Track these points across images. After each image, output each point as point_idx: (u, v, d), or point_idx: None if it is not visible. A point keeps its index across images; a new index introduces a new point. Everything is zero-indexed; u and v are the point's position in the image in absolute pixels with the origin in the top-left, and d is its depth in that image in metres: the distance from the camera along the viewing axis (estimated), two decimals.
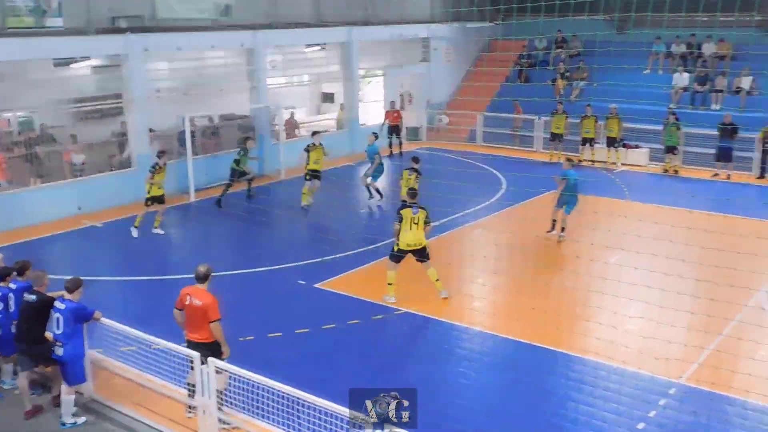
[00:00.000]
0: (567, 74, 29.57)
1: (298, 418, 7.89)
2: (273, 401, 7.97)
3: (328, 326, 11.98)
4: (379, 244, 16.27)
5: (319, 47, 26.79)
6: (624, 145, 25.17)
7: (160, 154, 17.34)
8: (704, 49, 27.82)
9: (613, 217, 12.50)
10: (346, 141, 27.24)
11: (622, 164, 24.81)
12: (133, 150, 20.79)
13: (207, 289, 9.01)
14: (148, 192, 17.01)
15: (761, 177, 22.96)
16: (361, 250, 15.93)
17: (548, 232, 15.93)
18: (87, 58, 20.37)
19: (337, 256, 15.40)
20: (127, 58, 20.16)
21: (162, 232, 17.42)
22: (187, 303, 9.00)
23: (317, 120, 29.98)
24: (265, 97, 23.85)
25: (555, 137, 25.78)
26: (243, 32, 23.11)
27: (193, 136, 21.11)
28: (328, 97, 30.89)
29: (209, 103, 22.60)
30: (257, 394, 8.12)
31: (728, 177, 22.99)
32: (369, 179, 20.76)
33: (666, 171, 23.93)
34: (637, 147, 25.25)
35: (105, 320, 9.56)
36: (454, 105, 30.95)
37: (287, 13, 24.66)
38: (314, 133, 19.76)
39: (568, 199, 15.79)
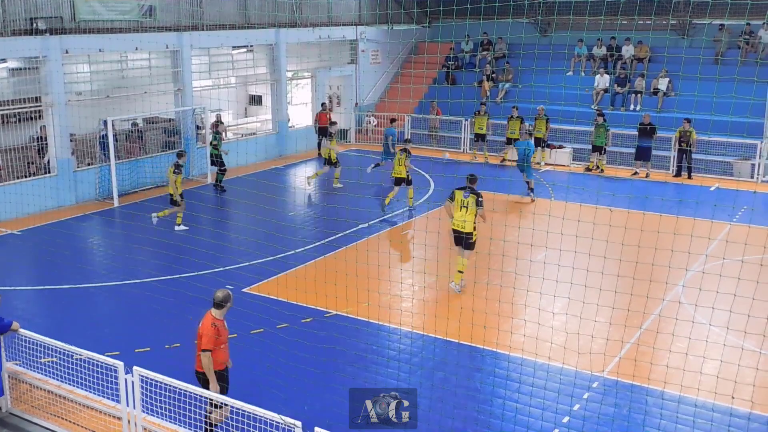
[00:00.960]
0: (493, 76, 30.04)
1: (226, 425, 7.81)
2: (201, 408, 7.87)
3: (256, 331, 11.88)
4: (308, 247, 16.25)
5: (245, 49, 26.55)
6: (548, 146, 25.74)
7: (180, 154, 17.93)
8: (624, 51, 28.64)
9: (538, 215, 12.79)
10: (274, 143, 27.08)
11: (546, 164, 25.36)
12: (53, 155, 20.20)
13: (220, 317, 8.39)
14: (175, 192, 17.40)
15: (677, 175, 23.79)
16: (290, 253, 15.87)
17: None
18: (3, 60, 19.70)
19: (266, 259, 15.29)
20: (46, 61, 19.58)
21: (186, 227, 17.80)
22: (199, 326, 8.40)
23: (244, 123, 29.73)
24: (190, 99, 23.51)
25: (478, 137, 26.29)
26: (167, 34, 22.73)
27: (116, 140, 20.65)
28: (256, 100, 30.65)
29: (133, 106, 22.14)
30: (184, 402, 8.00)
31: (647, 175, 23.74)
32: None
33: (589, 169, 24.55)
34: (560, 147, 25.84)
35: (23, 331, 9.26)
36: (382, 107, 31.09)
37: (213, 14, 24.36)
38: (332, 123, 22.84)
39: (522, 167, 20.19)
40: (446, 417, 9.35)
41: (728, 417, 9.38)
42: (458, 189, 13.81)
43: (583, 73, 29.11)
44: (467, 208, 13.49)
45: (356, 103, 30.53)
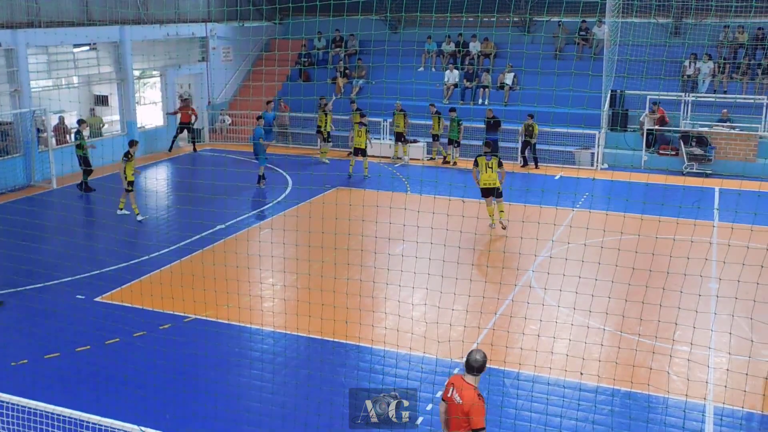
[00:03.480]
0: (346, 72, 30.27)
1: None
2: (55, 428, 7.47)
3: (111, 341, 11.43)
4: (162, 251, 15.79)
5: (88, 47, 25.34)
6: (405, 141, 26.22)
7: (132, 143, 18.40)
8: (471, 47, 29.64)
9: (396, 209, 13.06)
10: (123, 145, 26.02)
11: (411, 159, 25.85)
12: None
13: (476, 385, 7.03)
14: (124, 180, 17.96)
15: (524, 165, 24.92)
16: (143, 258, 15.37)
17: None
18: None
19: (119, 266, 14.73)
20: None
21: (128, 212, 18.51)
22: (449, 395, 7.11)
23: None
24: (28, 101, 22.18)
25: (319, 132, 26.41)
26: (1, 31, 21.32)
27: None
28: (102, 100, 29.31)
29: None
30: (36, 422, 7.57)
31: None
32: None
33: (447, 163, 25.25)
34: (415, 141, 26.40)
35: None
36: (235, 105, 30.61)
37: (51, 10, 23.07)
38: (362, 115, 23.54)
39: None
40: (313, 414, 9.36)
41: (578, 392, 9.96)
42: (479, 156, 17.18)
43: (433, 69, 29.86)
44: (492, 168, 16.84)
45: (209, 102, 29.90)
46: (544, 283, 12.96)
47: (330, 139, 26.06)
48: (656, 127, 24.91)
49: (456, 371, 8.64)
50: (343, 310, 11.67)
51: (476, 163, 17.21)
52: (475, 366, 6.99)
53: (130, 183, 18.11)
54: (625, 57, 24.40)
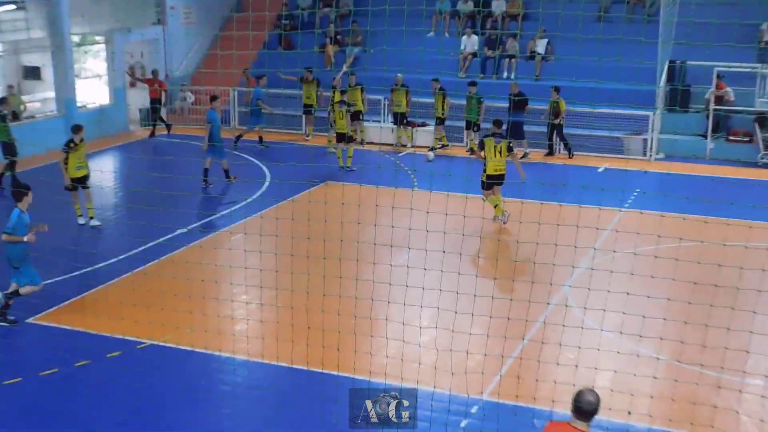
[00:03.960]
0: (338, 38, 30.41)
1: None
2: None
3: (47, 372, 11.56)
4: (111, 261, 15.92)
5: (14, 6, 25.48)
6: (408, 123, 26.38)
7: (76, 128, 18.13)
8: (494, 7, 29.80)
9: (399, 210, 13.13)
10: (60, 129, 26.17)
11: (413, 147, 26.00)
12: None
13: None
14: (66, 176, 17.82)
15: (550, 154, 25.06)
16: (87, 270, 15.50)
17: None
18: None
19: (57, 279, 14.86)
20: None
21: (99, 223, 18.28)
22: None
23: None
24: None
25: (308, 110, 26.59)
26: None
27: None
28: (32, 72, 29.46)
29: None
30: None
31: (524, 156, 24.84)
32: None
33: (473, 152, 25.42)
34: (423, 125, 26.54)
35: None
36: (199, 79, 30.75)
37: None
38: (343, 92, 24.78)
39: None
40: None
41: None
42: (486, 137, 18.26)
43: (446, 34, 30.04)
44: (501, 153, 17.83)
45: (166, 75, 30.04)
46: (583, 301, 13.04)
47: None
48: (724, 107, 25.05)
49: (553, 418, 8.74)
50: (335, 334, 11.77)
51: (482, 145, 18.25)
52: (588, 410, 7.14)
53: (77, 179, 18.02)
54: (687, 19, 24.52)
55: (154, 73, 28.06)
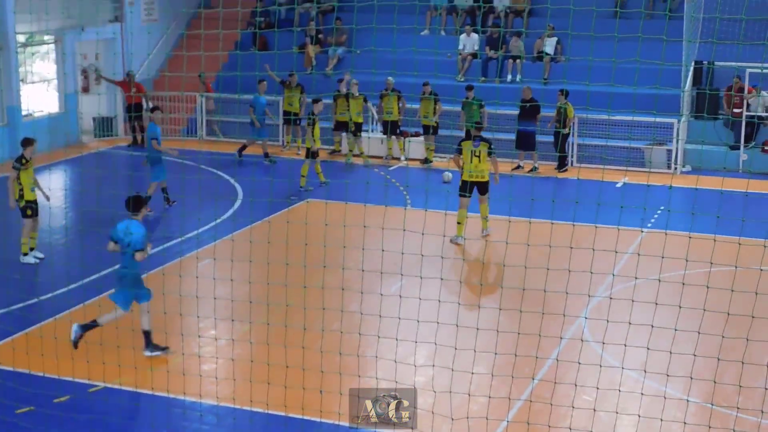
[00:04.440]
0: (320, 37, 30.41)
1: None
2: None
3: None
4: (58, 291, 15.79)
5: None
6: (401, 133, 26.34)
7: (26, 142, 17.77)
8: (496, 2, 29.87)
9: (390, 231, 13.01)
10: (3, 140, 26.05)
11: (407, 159, 25.98)
12: None
13: None
14: (20, 197, 17.40)
15: (562, 168, 24.99)
16: (31, 302, 15.40)
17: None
18: None
19: None
20: None
21: (42, 256, 17.94)
22: None
23: None
24: None
25: (287, 118, 26.57)
26: None
27: None
28: None
29: None
30: None
31: (533, 169, 24.81)
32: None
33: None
34: (417, 135, 26.51)
35: None
36: (161, 83, 30.67)
37: None
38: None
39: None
40: None
41: None
42: (464, 140, 18.94)
43: (443, 32, 30.10)
44: (479, 157, 18.30)
45: (124, 79, 29.98)
46: (601, 335, 12.96)
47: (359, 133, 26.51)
48: (762, 113, 25.05)
49: None
50: (317, 374, 11.66)
51: (459, 150, 18.75)
52: None
53: (29, 203, 17.56)
54: (714, 15, 24.60)
55: (129, 75, 28.06)
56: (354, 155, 26.21)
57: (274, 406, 11.53)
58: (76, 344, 13.13)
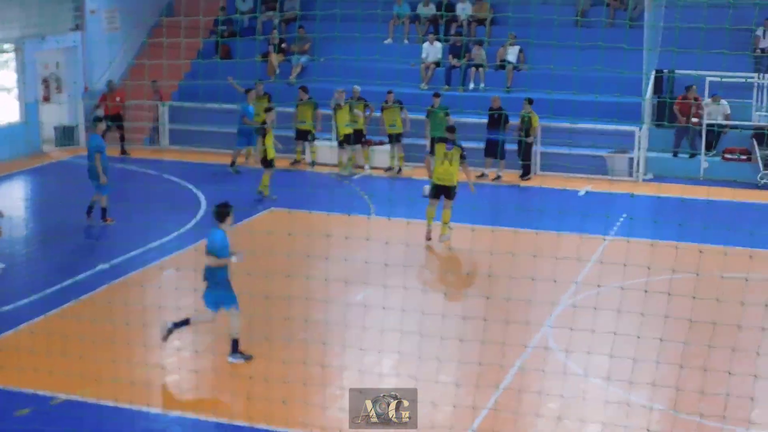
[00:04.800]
0: (283, 46, 30.34)
1: None
2: None
3: None
4: (19, 303, 15.62)
5: None
6: (365, 142, 26.33)
7: None
8: (458, 10, 29.92)
9: (353, 240, 13.02)
10: None
11: (371, 168, 25.95)
12: None
13: None
14: None
15: (526, 176, 25.05)
16: None
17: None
18: None
19: None
20: None
21: (2, 265, 17.35)
22: None
23: None
24: None
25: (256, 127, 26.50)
26: None
27: None
28: None
29: None
30: None
31: (497, 178, 24.86)
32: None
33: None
34: (381, 144, 26.49)
35: None
36: (124, 92, 30.44)
37: None
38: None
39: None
40: None
41: None
42: (438, 142, 19.11)
43: (406, 41, 30.11)
44: (450, 161, 18.34)
45: (86, 88, 29.78)
46: (566, 343, 13.01)
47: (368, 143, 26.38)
48: (722, 122, 25.22)
49: None
50: (281, 384, 11.62)
51: (432, 151, 19.12)
52: None
53: None
54: (674, 24, 24.77)
55: (111, 84, 27.92)
56: (357, 166, 26.12)
57: (237, 416, 11.47)
58: (165, 338, 13.29)
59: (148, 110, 29.20)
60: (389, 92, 25.67)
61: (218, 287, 13.12)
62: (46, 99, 29.25)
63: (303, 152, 26.70)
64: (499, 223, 18.68)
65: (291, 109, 26.40)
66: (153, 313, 13.88)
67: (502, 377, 12.52)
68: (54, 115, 28.95)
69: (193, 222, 20.59)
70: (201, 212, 21.38)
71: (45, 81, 29.44)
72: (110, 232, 19.32)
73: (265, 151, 22.66)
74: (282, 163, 26.46)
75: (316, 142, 26.57)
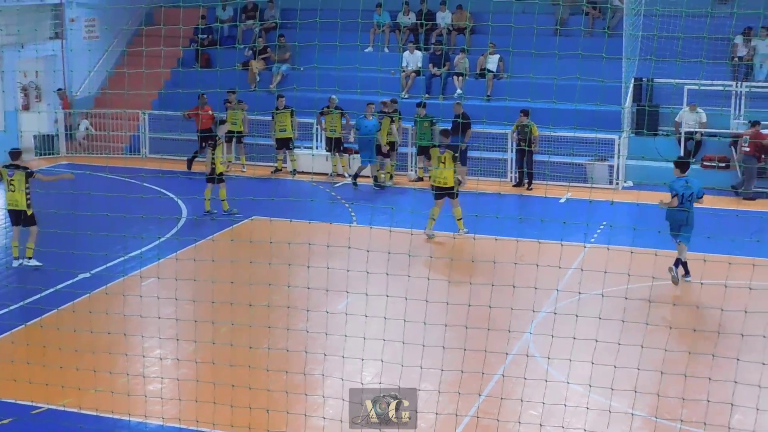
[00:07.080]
0: (263, 55, 30.36)
1: None
2: None
3: None
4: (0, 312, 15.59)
5: None
6: (345, 150, 26.38)
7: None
8: (439, 19, 30.04)
9: (335, 249, 13.03)
10: None
11: (350, 176, 25.99)
12: None
13: None
14: None
15: (519, 184, 25.14)
16: None
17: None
18: None
19: None
20: None
21: None
22: None
23: None
24: None
25: (230, 136, 26.51)
26: None
27: None
28: None
29: None
30: None
31: (459, 183, 24.86)
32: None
33: (421, 179, 25.38)
34: (358, 153, 26.52)
35: None
36: (104, 101, 30.42)
37: None
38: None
39: None
40: None
41: None
42: (433, 147, 20.32)
43: (386, 50, 30.18)
44: (444, 163, 19.20)
45: (65, 104, 29.70)
46: (547, 350, 13.05)
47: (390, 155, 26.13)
48: (701, 129, 25.37)
49: None
50: (263, 393, 11.60)
51: (428, 156, 19.99)
52: None
53: None
54: (652, 33, 24.94)
55: (201, 98, 27.92)
56: (338, 174, 26.24)
57: (220, 425, 11.45)
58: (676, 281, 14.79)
59: (129, 119, 29.17)
60: (393, 101, 25.80)
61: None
62: (26, 108, 29.16)
63: (284, 161, 26.72)
64: (480, 231, 18.74)
65: (269, 118, 26.49)
66: (134, 323, 13.85)
67: (484, 385, 12.56)
68: (33, 124, 28.85)
69: (174, 231, 20.57)
70: (182, 221, 21.36)
71: (24, 89, 29.35)
72: (90, 241, 19.21)
73: (213, 163, 21.91)
74: (263, 171, 26.51)
75: (296, 150, 26.61)
